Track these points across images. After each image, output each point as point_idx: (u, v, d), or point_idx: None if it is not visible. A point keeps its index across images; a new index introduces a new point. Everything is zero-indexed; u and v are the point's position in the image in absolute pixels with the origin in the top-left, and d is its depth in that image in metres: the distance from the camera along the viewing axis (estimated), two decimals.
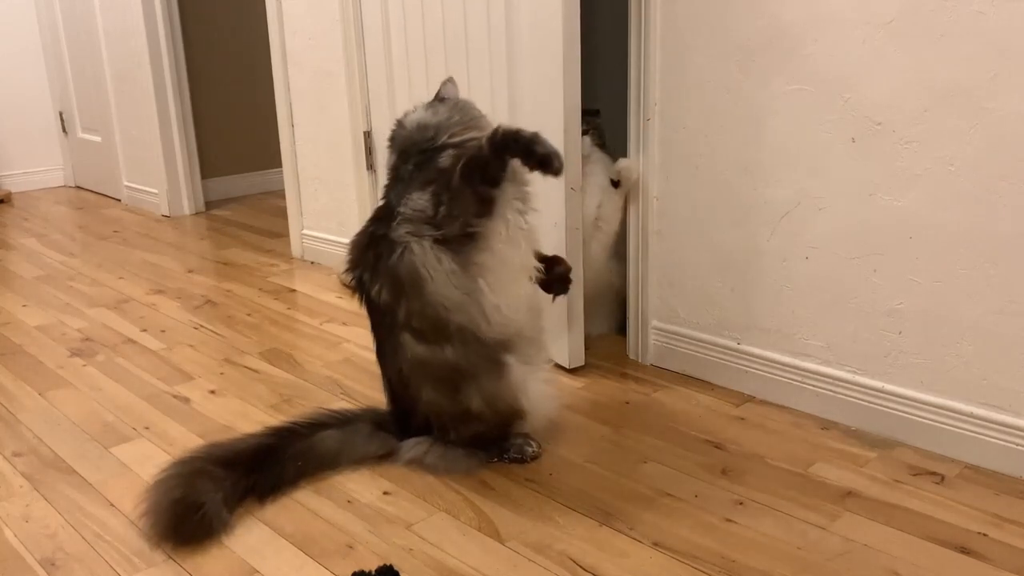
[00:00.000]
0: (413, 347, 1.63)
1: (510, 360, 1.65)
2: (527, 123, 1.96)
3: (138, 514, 1.55)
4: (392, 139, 1.74)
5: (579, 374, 2.16)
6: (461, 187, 1.55)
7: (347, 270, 1.71)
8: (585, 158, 2.20)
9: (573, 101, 1.97)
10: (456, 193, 1.56)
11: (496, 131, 1.55)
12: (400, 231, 1.60)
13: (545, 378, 1.74)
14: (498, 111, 2.10)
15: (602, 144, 2.34)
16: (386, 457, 1.74)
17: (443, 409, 1.68)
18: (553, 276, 1.77)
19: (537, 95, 2.02)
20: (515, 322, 1.64)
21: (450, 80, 1.81)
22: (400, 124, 1.73)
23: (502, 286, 1.62)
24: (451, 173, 1.57)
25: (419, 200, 1.59)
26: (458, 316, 1.59)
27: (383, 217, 1.66)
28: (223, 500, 1.55)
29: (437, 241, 1.58)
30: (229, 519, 1.54)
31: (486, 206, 1.57)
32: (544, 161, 1.52)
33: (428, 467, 1.70)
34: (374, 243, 1.65)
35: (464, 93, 2.22)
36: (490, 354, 1.63)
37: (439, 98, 1.76)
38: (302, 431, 1.72)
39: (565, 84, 1.94)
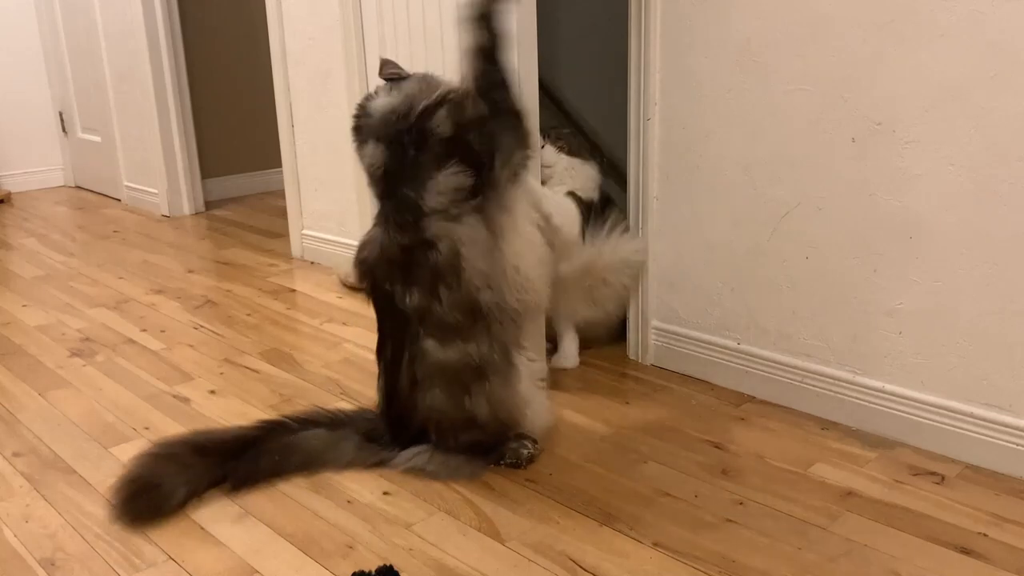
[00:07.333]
0: (435, 352, 1.63)
1: (520, 364, 1.68)
2: None
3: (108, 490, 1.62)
4: (358, 129, 1.67)
5: (580, 375, 2.16)
6: (487, 115, 1.59)
7: (373, 282, 1.68)
8: (550, 167, 2.16)
9: (531, 104, 1.91)
10: (490, 130, 1.59)
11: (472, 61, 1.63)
12: (434, 227, 1.59)
13: (540, 384, 1.75)
14: None
15: (573, 150, 2.23)
16: (377, 465, 1.72)
17: (445, 416, 1.67)
18: None
19: None
20: (534, 291, 1.67)
21: (388, 61, 1.73)
22: (364, 110, 1.66)
23: (520, 250, 1.65)
24: (460, 135, 1.57)
25: (448, 180, 1.57)
26: (487, 295, 1.60)
27: (405, 220, 1.61)
28: (184, 483, 1.60)
29: (475, 210, 1.59)
30: (183, 501, 1.59)
31: (519, 119, 1.64)
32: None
33: (430, 475, 1.69)
34: (406, 254, 1.62)
35: None
36: (507, 352, 1.65)
37: (392, 78, 1.69)
38: (291, 426, 1.74)
39: (522, 82, 1.89)
